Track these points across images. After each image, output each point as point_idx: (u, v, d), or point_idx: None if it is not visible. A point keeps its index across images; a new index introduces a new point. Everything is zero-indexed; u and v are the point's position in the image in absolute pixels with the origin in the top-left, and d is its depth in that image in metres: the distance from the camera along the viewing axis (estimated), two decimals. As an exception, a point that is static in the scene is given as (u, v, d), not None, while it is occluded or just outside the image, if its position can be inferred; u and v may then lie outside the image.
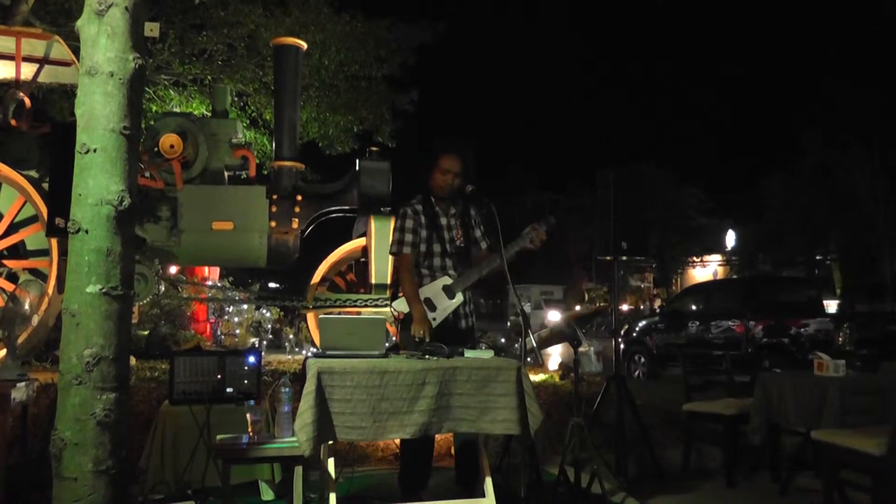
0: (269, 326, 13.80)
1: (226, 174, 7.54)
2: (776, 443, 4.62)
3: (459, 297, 3.89)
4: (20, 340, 4.56)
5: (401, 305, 3.89)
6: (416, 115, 13.53)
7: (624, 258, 5.01)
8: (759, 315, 9.66)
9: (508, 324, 20.77)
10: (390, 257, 7.19)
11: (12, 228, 6.63)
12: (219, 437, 3.45)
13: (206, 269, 11.16)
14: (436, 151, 4.01)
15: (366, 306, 7.20)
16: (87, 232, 2.59)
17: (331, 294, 7.56)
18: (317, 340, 6.46)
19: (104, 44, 2.62)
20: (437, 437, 4.10)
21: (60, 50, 6.80)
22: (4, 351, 4.11)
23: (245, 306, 12.13)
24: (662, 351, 10.91)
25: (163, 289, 8.45)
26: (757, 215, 26.02)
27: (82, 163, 2.62)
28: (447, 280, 3.93)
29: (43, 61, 6.90)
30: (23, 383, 3.55)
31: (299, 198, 7.37)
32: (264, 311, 12.79)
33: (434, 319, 3.84)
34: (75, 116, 2.67)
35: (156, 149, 6.91)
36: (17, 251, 6.74)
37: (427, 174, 4.00)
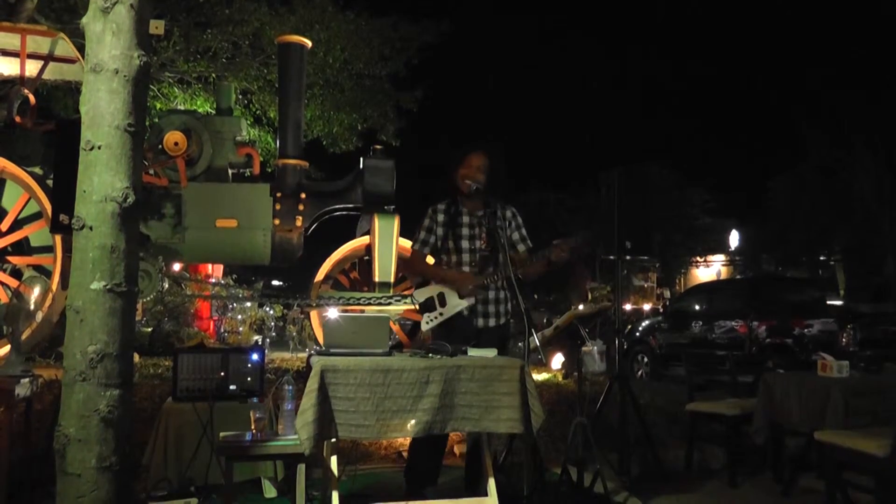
0: (273, 324, 13.83)
1: (230, 172, 7.54)
2: (779, 443, 4.61)
3: (471, 297, 3.88)
4: (24, 336, 4.58)
5: (420, 295, 3.93)
6: (421, 114, 13.55)
7: (628, 258, 5.00)
8: (762, 315, 9.63)
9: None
10: (393, 255, 7.30)
11: (17, 225, 6.64)
12: (222, 434, 3.45)
13: (210, 266, 11.18)
14: (465, 149, 4.05)
15: (369, 304, 7.20)
16: (91, 229, 2.59)
17: (334, 292, 7.56)
18: (320, 338, 6.46)
19: (109, 41, 2.63)
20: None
21: (65, 47, 6.80)
22: (9, 347, 4.12)
23: (248, 304, 12.14)
24: (666, 351, 10.90)
25: (166, 286, 8.45)
26: (761, 215, 25.95)
27: (87, 160, 2.62)
28: None
29: (48, 58, 6.90)
30: (27, 379, 3.55)
31: (303, 196, 7.37)
32: (267, 308, 12.80)
33: (441, 315, 3.86)
34: (80, 113, 2.67)
35: (160, 146, 6.91)
36: (22, 248, 6.75)
37: (454, 173, 4.02)
